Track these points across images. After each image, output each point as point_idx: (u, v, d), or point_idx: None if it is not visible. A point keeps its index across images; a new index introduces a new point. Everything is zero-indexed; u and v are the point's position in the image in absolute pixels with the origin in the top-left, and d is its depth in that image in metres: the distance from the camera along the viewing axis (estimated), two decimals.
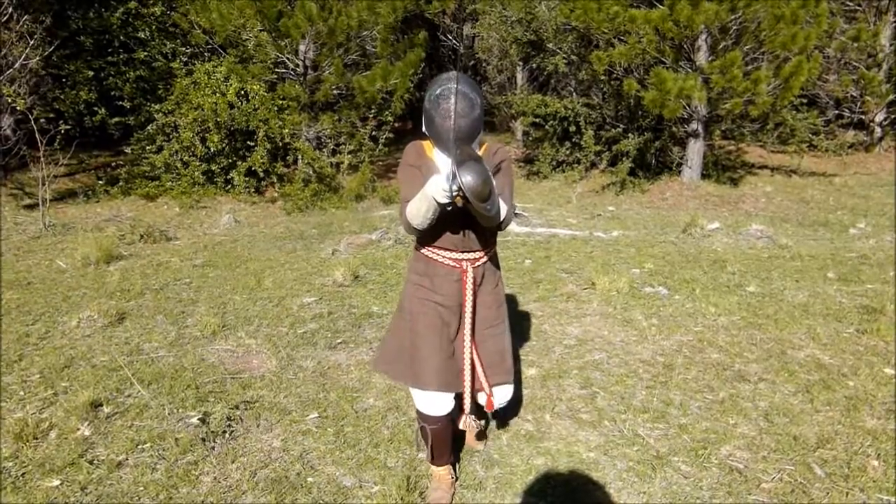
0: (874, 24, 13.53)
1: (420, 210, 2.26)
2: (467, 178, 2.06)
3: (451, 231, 2.48)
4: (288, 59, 10.93)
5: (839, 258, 6.28)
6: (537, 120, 12.89)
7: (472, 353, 2.55)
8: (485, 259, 2.57)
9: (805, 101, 12.91)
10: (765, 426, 3.18)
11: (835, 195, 10.66)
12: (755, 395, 3.49)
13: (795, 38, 9.61)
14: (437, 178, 2.14)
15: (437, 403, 2.55)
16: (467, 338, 2.54)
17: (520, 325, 4.58)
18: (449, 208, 2.18)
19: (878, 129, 14.00)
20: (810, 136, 13.06)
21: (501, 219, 2.35)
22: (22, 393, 3.53)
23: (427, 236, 2.51)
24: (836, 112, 14.47)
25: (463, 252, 2.52)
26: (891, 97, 13.41)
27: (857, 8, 13.80)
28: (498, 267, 2.71)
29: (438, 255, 2.54)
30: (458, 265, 2.53)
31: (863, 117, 14.14)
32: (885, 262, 6.07)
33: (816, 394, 3.48)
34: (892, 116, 13.83)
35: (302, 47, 10.79)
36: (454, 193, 2.07)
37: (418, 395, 2.58)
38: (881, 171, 12.48)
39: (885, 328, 4.28)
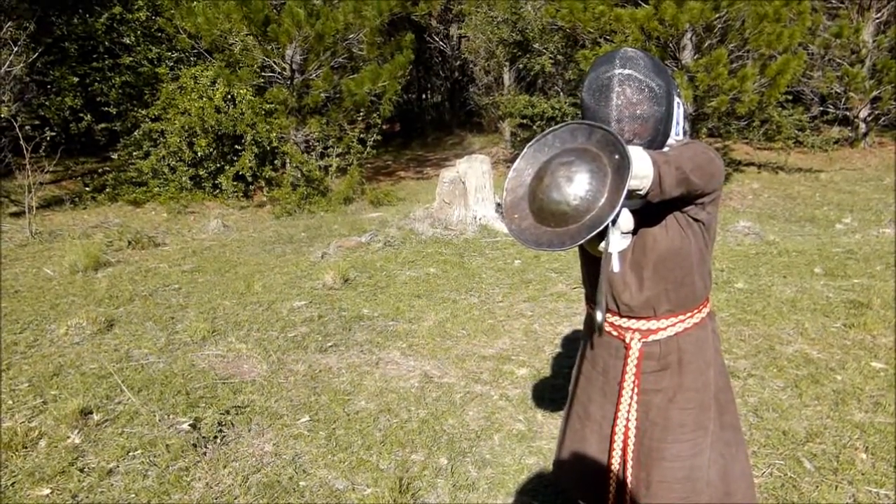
0: (856, 20, 13.65)
1: None
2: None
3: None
4: (275, 63, 10.91)
5: (826, 253, 6.33)
6: (525, 121, 12.95)
7: (623, 466, 1.75)
8: (670, 332, 1.68)
9: (790, 97, 13.00)
10: (754, 422, 3.20)
11: (821, 191, 10.74)
12: (744, 391, 3.52)
13: (780, 36, 9.70)
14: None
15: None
16: (618, 444, 1.74)
17: (510, 325, 4.59)
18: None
19: (862, 125, 14.13)
20: (796, 132, 13.16)
21: (650, 182, 1.33)
22: (11, 402, 3.51)
23: (584, 282, 1.78)
24: (821, 108, 14.58)
25: (625, 316, 1.69)
26: (874, 93, 13.53)
27: (840, 5, 13.92)
28: (712, 349, 1.76)
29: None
30: (618, 335, 1.72)
31: (847, 113, 14.25)
32: (871, 256, 6.13)
33: (805, 388, 3.51)
34: (876, 112, 13.96)
35: (289, 51, 10.78)
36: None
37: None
38: (866, 166, 12.59)
39: (872, 322, 4.31)
